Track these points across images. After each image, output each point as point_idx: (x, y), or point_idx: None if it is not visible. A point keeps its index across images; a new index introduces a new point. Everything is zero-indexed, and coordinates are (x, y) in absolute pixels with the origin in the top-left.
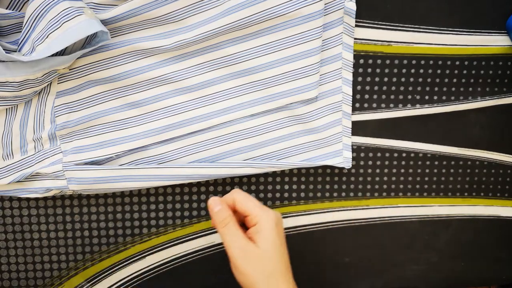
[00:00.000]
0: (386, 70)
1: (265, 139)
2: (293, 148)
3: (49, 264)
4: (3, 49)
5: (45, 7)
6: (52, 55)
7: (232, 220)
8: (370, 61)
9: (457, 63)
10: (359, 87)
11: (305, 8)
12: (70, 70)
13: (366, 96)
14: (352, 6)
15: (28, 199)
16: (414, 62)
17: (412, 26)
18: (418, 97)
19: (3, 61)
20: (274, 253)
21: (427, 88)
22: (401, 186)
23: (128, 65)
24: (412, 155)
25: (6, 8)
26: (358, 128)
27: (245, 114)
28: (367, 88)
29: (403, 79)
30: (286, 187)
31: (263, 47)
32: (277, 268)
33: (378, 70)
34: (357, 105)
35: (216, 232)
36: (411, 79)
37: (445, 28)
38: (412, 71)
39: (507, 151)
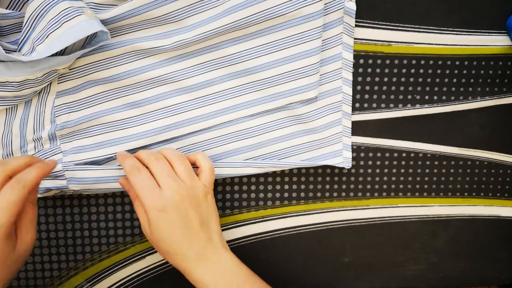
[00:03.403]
0: (386, 70)
1: (265, 139)
2: (293, 148)
3: (49, 264)
4: (3, 49)
5: (45, 7)
6: (52, 55)
7: (137, 198)
8: (370, 61)
9: (457, 63)
10: (359, 87)
11: (305, 8)
12: (70, 70)
13: (366, 96)
14: (352, 6)
15: None
16: (414, 62)
17: (412, 26)
18: (418, 97)
19: (3, 61)
20: (162, 237)
21: (427, 88)
22: (401, 186)
23: (128, 65)
24: (412, 155)
25: (6, 8)
26: (358, 128)
27: (245, 114)
28: (367, 88)
29: (403, 79)
30: (286, 187)
31: (263, 47)
32: (174, 249)
33: (378, 70)
34: (357, 105)
35: None
36: (411, 79)
37: (445, 28)
38: (412, 71)
39: (507, 151)
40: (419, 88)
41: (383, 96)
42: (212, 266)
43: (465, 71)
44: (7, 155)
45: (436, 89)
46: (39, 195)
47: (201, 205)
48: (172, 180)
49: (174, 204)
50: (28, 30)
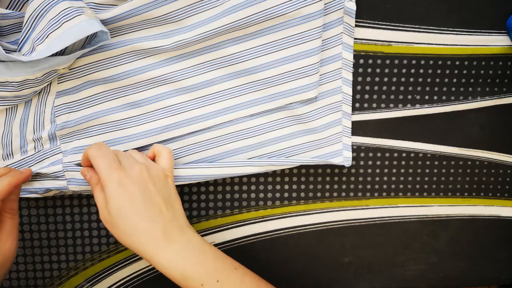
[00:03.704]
0: (386, 70)
1: (265, 139)
2: (293, 148)
3: (49, 264)
4: (3, 49)
5: (45, 7)
6: (52, 55)
7: (96, 185)
8: (370, 61)
9: (457, 63)
10: (359, 87)
11: (305, 8)
12: (70, 70)
13: (366, 96)
14: (352, 6)
15: (28, 199)
16: (414, 62)
17: (412, 26)
18: (418, 97)
19: (3, 61)
20: (122, 213)
21: (427, 88)
22: (401, 186)
23: (128, 65)
24: (412, 155)
25: (6, 8)
26: (358, 128)
27: (245, 114)
28: (367, 88)
29: (403, 79)
30: (286, 187)
31: (263, 47)
32: (137, 226)
33: (378, 70)
34: (357, 105)
35: (216, 232)
36: (411, 79)
37: (445, 28)
38: (412, 71)
39: (507, 151)
40: (419, 88)
41: (383, 96)
42: (179, 248)
43: (465, 71)
44: (7, 155)
45: (436, 89)
46: (39, 196)
47: (162, 184)
48: (131, 158)
49: (133, 178)
50: (28, 30)
